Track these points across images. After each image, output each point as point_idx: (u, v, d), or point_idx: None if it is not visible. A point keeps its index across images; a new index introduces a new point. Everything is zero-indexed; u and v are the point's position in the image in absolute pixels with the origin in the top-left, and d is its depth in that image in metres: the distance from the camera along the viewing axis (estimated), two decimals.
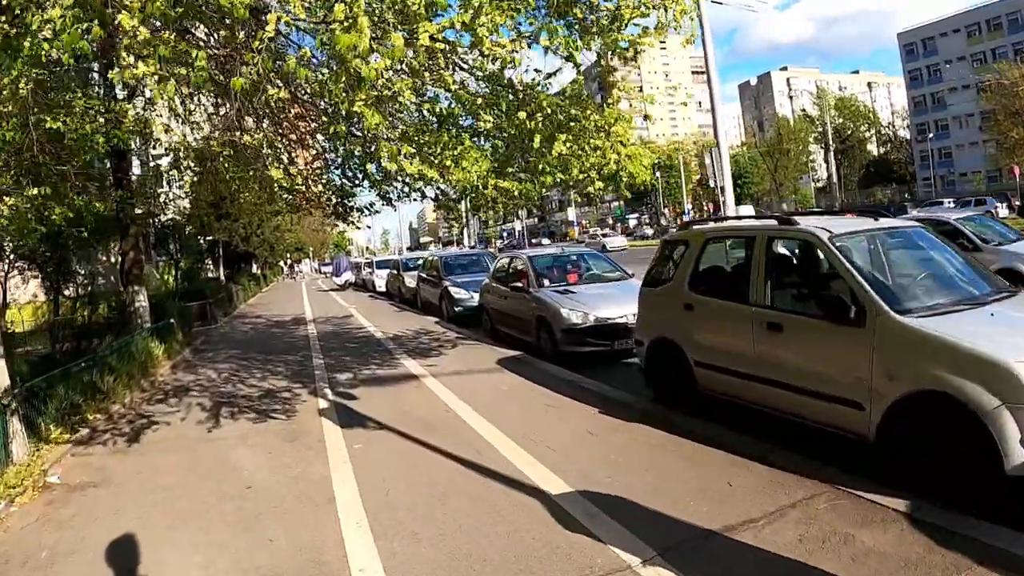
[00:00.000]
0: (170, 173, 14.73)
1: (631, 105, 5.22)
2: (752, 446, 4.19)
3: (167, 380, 8.70)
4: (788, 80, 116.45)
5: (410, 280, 16.98)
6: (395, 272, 18.79)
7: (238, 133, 6.39)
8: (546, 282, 8.72)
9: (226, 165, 6.92)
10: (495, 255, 15.17)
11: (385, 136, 3.62)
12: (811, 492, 3.54)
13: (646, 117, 6.58)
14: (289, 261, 57.48)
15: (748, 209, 61.06)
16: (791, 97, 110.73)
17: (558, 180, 4.66)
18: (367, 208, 8.00)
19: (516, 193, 4.53)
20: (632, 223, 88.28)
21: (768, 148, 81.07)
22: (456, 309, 12.23)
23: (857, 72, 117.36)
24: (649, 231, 68.52)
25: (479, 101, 4.17)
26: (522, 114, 4.01)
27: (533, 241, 68.61)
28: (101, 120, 5.46)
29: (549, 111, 4.38)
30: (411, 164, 3.49)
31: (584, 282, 8.82)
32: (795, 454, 4.04)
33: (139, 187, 20.18)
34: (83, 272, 13.96)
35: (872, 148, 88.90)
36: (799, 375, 4.14)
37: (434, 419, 5.49)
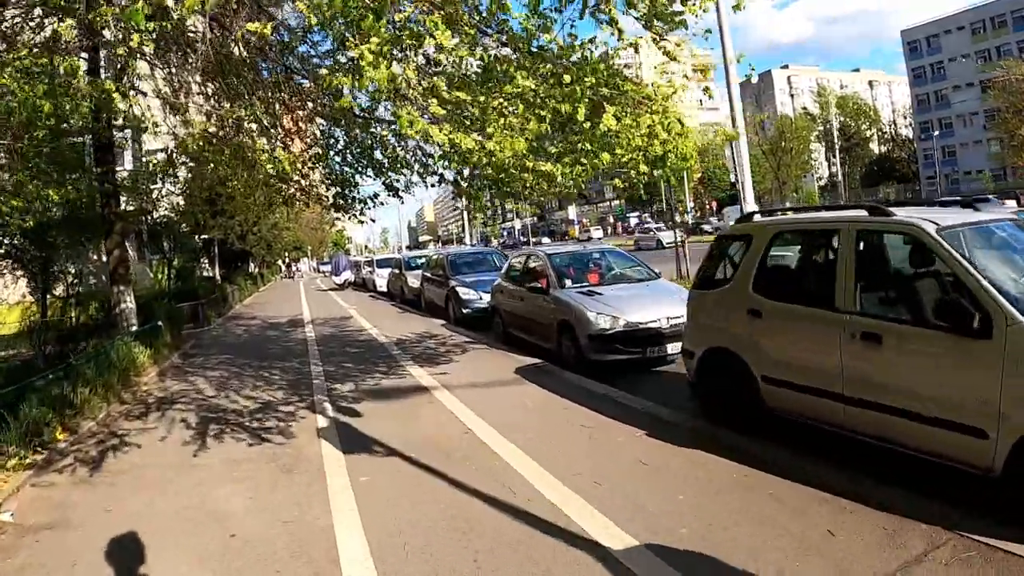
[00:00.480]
0: (164, 168, 13.92)
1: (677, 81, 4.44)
2: (844, 480, 3.45)
3: (151, 389, 7.92)
4: (789, 78, 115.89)
5: (413, 280, 16.22)
6: (397, 271, 18.02)
7: (227, 106, 5.63)
8: (568, 282, 7.95)
9: (216, 153, 6.23)
10: (504, 253, 14.40)
11: (403, 92, 2.85)
12: (931, 542, 2.82)
13: (705, 90, 5.89)
14: (288, 260, 56.69)
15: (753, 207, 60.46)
16: (792, 95, 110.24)
17: (603, 163, 3.89)
18: (370, 200, 7.25)
19: (558, 177, 3.75)
20: (633, 222, 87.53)
21: (771, 146, 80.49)
22: (464, 311, 11.47)
23: (858, 71, 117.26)
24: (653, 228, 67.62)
25: (513, 64, 3.40)
26: (567, 77, 3.24)
27: (532, 240, 67.85)
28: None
29: (594, 80, 3.64)
30: (440, 131, 2.72)
31: (608, 282, 8.04)
32: (894, 487, 3.32)
33: (130, 183, 19.39)
34: (73, 271, 13.22)
35: (874, 147, 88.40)
36: (902, 395, 3.40)
37: (452, 443, 4.72)
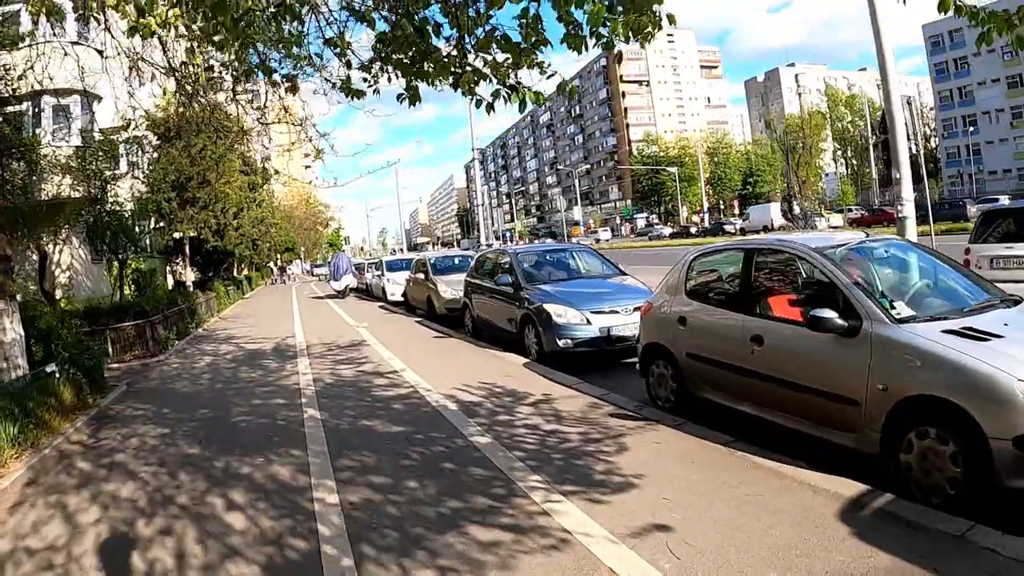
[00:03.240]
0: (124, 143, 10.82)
1: None
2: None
3: None
4: (796, 76, 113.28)
5: (447, 289, 11.88)
6: (421, 276, 13.52)
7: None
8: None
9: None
10: (592, 249, 10.02)
11: None
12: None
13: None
14: (279, 263, 52.00)
15: (775, 208, 56.57)
16: (799, 94, 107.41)
17: None
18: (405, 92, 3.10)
19: None
20: (640, 222, 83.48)
21: (789, 143, 77.13)
22: (560, 343, 7.17)
23: (864, 69, 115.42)
24: (666, 231, 63.44)
25: None
26: None
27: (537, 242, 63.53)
28: None
29: None
30: None
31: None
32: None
33: (76, 163, 14.90)
34: None
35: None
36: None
37: None
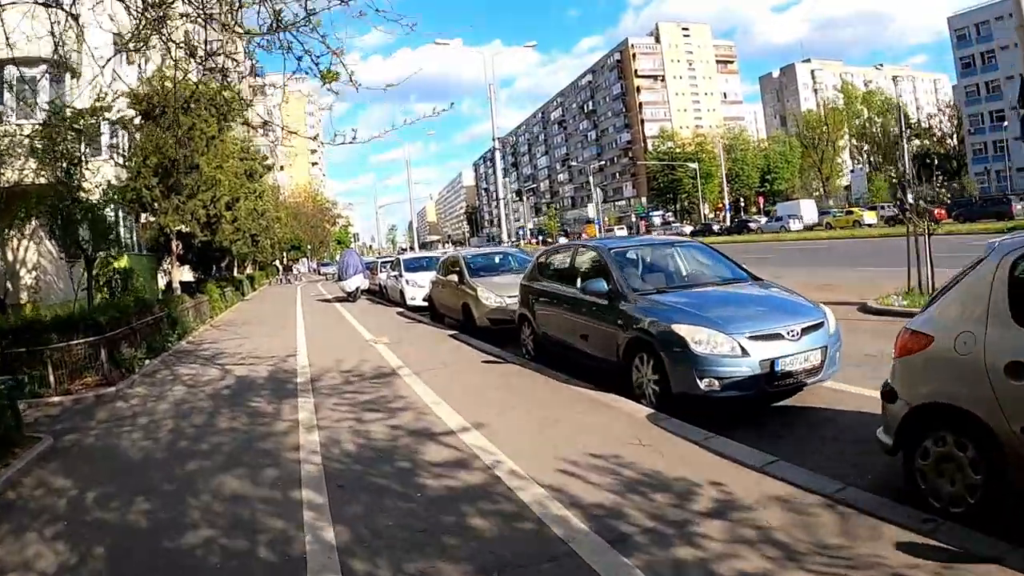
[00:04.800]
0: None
1: None
2: None
3: None
4: (813, 72, 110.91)
5: (489, 295, 9.29)
6: (454, 279, 10.72)
7: None
8: None
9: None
10: (706, 245, 7.30)
11: None
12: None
13: None
14: (286, 261, 49.47)
15: (810, 204, 53.84)
16: (816, 90, 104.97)
17: None
18: None
19: None
20: (656, 220, 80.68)
21: (813, 137, 74.60)
22: (702, 384, 4.62)
23: (881, 66, 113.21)
24: (686, 228, 60.59)
25: None
26: None
27: (550, 241, 60.85)
28: None
29: None
30: None
31: None
32: None
33: (42, 142, 12.63)
34: None
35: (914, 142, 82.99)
36: None
37: None
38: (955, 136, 78.40)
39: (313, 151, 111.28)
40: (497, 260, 10.68)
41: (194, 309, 14.23)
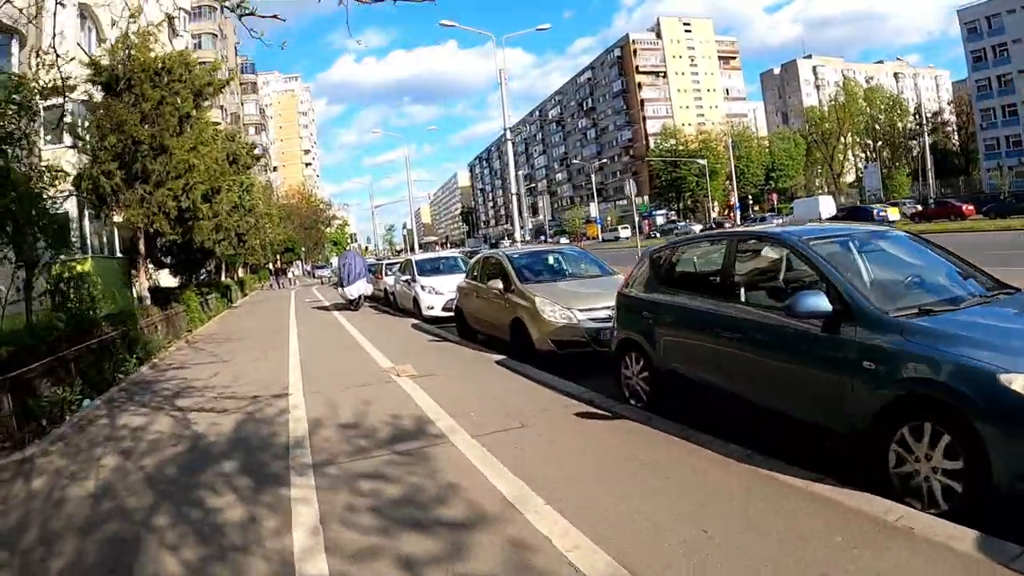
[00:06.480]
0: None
1: None
2: None
3: None
4: (815, 68, 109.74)
5: (553, 308, 6.75)
6: (498, 287, 7.69)
7: None
8: None
9: None
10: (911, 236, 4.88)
11: None
12: None
13: None
14: (279, 264, 46.57)
15: (828, 201, 51.56)
16: (818, 87, 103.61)
17: None
18: None
19: None
20: (660, 219, 78.30)
21: (819, 133, 72.77)
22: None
23: (881, 62, 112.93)
24: (696, 227, 58.16)
25: None
26: None
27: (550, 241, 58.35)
28: None
29: None
30: None
31: None
32: None
33: None
34: None
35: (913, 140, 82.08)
36: None
37: None
38: (964, 131, 77.07)
39: (307, 151, 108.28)
40: (551, 261, 8.17)
41: (165, 323, 11.65)
